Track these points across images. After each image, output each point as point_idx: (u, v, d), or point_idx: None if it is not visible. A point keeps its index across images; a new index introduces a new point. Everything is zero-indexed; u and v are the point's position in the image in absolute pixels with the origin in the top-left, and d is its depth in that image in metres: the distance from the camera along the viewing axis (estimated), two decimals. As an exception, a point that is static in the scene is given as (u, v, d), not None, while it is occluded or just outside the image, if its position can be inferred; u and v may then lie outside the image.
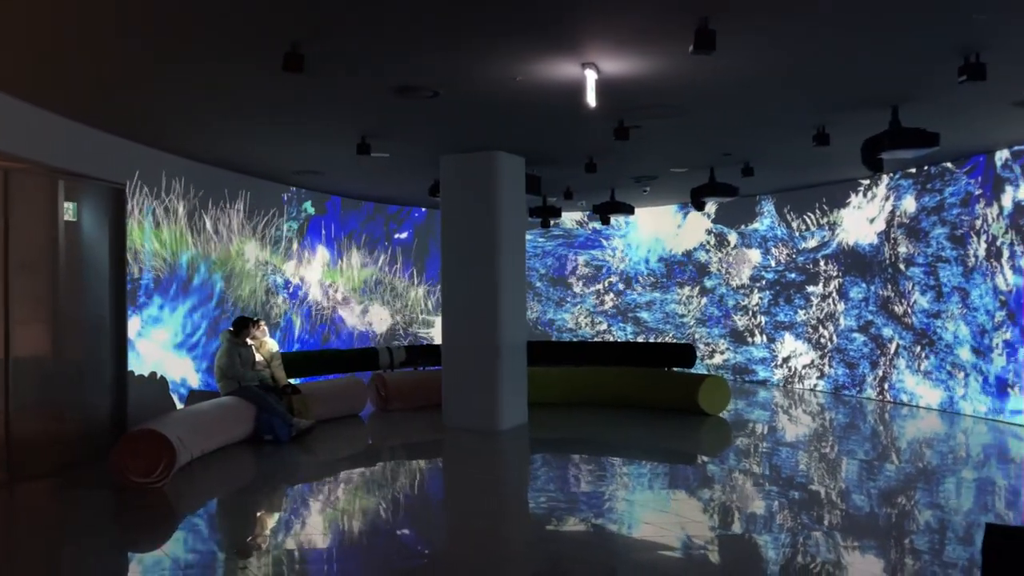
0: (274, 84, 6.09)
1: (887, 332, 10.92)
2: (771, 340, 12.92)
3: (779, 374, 12.78)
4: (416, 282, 14.00)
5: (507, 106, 6.97)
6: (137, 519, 5.67)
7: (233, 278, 10.00)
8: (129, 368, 8.02)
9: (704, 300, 14.02)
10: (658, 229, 14.67)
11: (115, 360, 7.84)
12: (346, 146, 8.33)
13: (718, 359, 13.76)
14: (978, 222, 9.47)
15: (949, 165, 9.86)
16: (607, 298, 15.30)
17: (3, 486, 6.32)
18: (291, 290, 11.32)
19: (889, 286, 10.89)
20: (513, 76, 6.03)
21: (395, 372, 10.73)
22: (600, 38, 5.24)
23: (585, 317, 15.45)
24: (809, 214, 12.26)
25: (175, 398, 8.78)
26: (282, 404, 8.42)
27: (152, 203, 8.57)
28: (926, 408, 10.22)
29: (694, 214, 13.85)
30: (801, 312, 12.41)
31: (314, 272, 11.86)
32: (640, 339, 14.83)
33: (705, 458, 8.02)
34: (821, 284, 12.08)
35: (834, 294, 11.85)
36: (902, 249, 10.66)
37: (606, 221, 12.78)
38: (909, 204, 10.56)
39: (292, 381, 9.08)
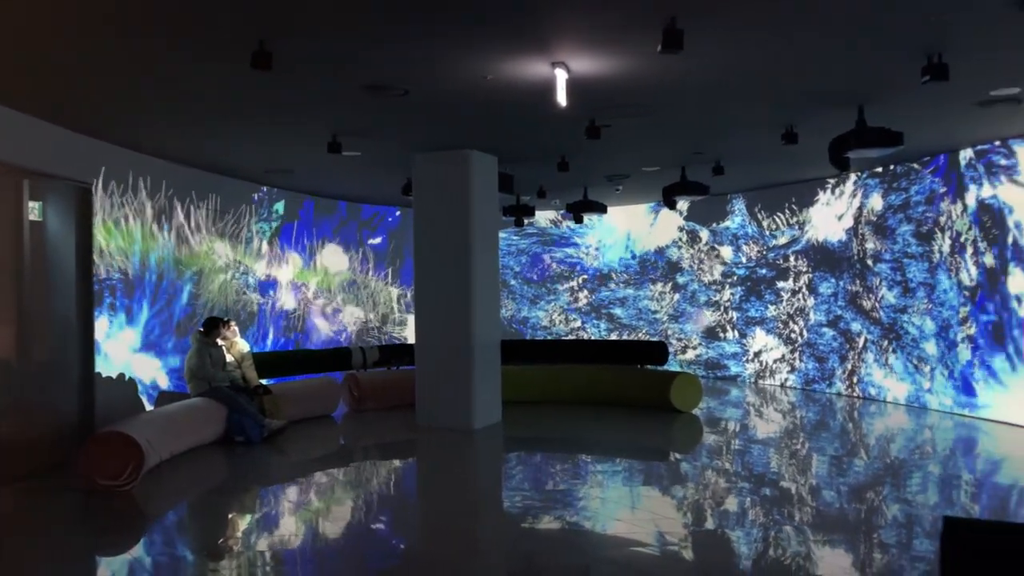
0: (243, 82, 6.04)
1: (856, 327, 11.09)
2: (742, 335, 13.07)
3: (751, 368, 12.93)
4: (390, 282, 13.96)
5: (479, 105, 6.97)
6: (105, 522, 5.59)
7: (203, 278, 9.90)
8: (97, 370, 7.91)
9: (677, 296, 14.14)
10: (631, 226, 14.77)
11: (82, 361, 7.72)
12: (317, 145, 8.28)
13: (691, 354, 13.88)
14: (943, 219, 9.65)
15: (915, 166, 10.03)
16: (581, 295, 15.37)
17: (-33, 491, 6.21)
18: (263, 290, 11.23)
19: (857, 281, 11.06)
20: (483, 75, 6.03)
21: (368, 372, 10.68)
22: (569, 37, 5.26)
23: (559, 315, 15.51)
24: (779, 214, 12.40)
25: (144, 400, 8.68)
26: (253, 405, 8.35)
27: (120, 202, 8.45)
28: (894, 403, 10.39)
29: (666, 211, 13.95)
30: (772, 307, 12.56)
31: (286, 272, 11.78)
32: (614, 336, 14.93)
33: (677, 455, 8.09)
34: (791, 279, 12.24)
35: (804, 289, 12.00)
36: (870, 245, 10.82)
37: (579, 220, 12.84)
38: (876, 202, 10.73)
39: (263, 382, 9.01)
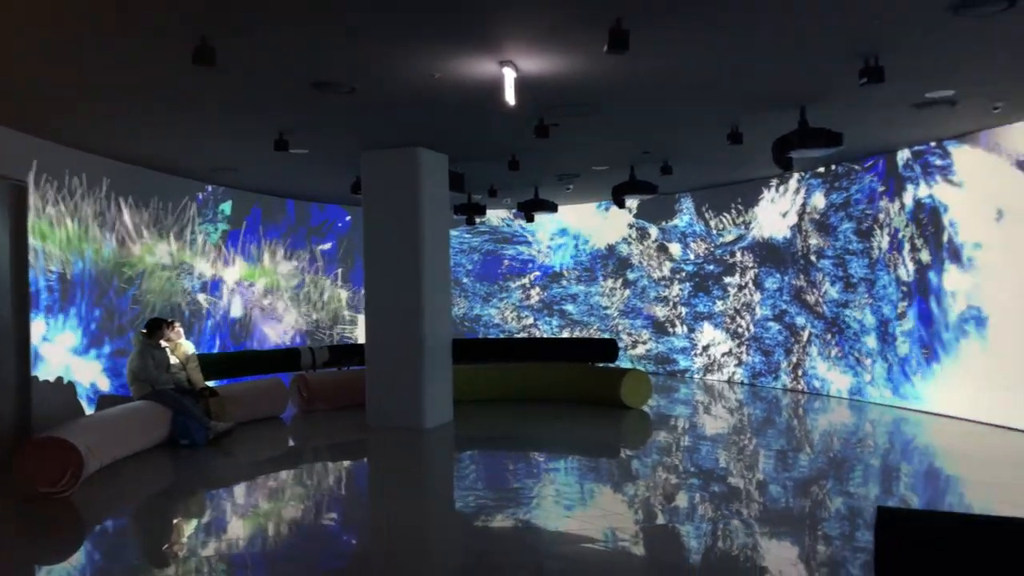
0: (185, 77, 5.90)
1: (800, 321, 11.36)
2: (691, 330, 13.28)
3: (699, 362, 13.15)
4: (340, 283, 13.81)
5: (428, 103, 6.94)
6: (43, 531, 5.42)
7: (145, 278, 9.66)
8: (33, 373, 7.66)
9: (627, 292, 14.31)
10: (582, 224, 14.89)
11: (18, 364, 7.47)
12: (263, 142, 8.14)
13: (640, 350, 14.06)
14: (882, 216, 9.94)
15: (856, 166, 10.30)
16: (533, 292, 15.44)
17: None
18: (209, 290, 11.00)
19: (802, 276, 11.33)
20: (431, 73, 6.01)
21: (318, 372, 10.56)
22: (516, 36, 5.27)
23: (512, 312, 15.55)
24: (725, 214, 12.64)
25: (84, 403, 8.44)
26: (199, 407, 8.19)
27: (55, 200, 8.19)
28: (837, 397, 10.67)
29: (616, 209, 14.09)
30: (719, 303, 12.79)
31: (233, 273, 11.56)
32: (566, 332, 15.04)
33: (628, 451, 8.18)
34: (738, 275, 12.48)
35: (750, 284, 12.25)
36: (813, 242, 11.09)
37: (531, 218, 12.88)
38: (818, 200, 11.00)
39: (209, 383, 8.84)
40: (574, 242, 15.11)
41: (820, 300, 10.99)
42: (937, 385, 9.13)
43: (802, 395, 11.12)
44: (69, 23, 4.89)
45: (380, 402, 8.83)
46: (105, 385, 8.79)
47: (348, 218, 13.77)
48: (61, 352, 8.16)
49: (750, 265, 12.26)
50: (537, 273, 15.39)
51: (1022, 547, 2.16)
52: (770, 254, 11.90)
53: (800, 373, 11.36)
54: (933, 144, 9.06)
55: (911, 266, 9.44)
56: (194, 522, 5.72)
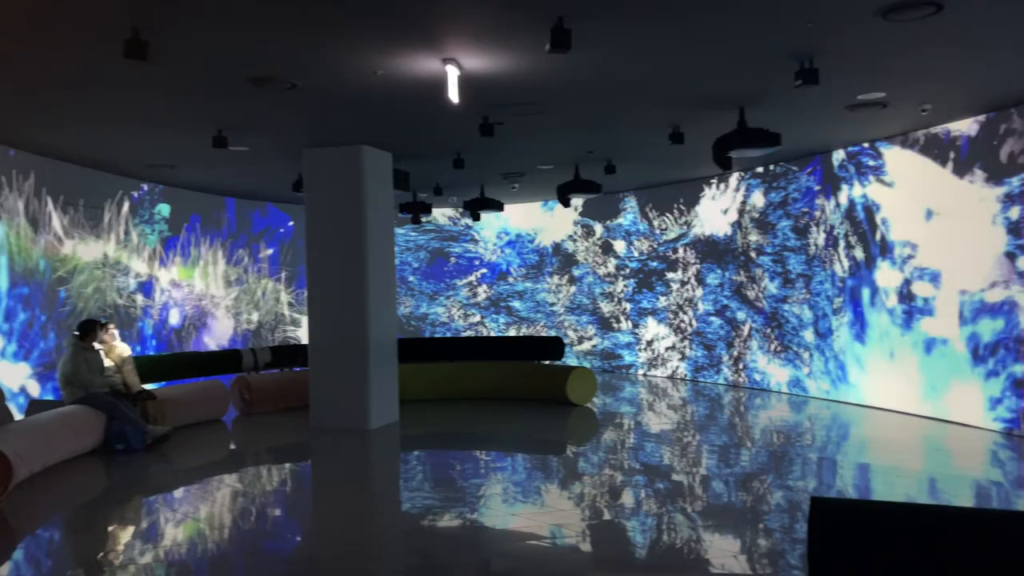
0: (118, 72, 5.72)
1: (741, 315, 11.61)
2: (635, 326, 13.46)
3: (643, 357, 13.33)
4: (282, 285, 13.59)
5: (371, 100, 6.87)
6: (-32, 544, 5.20)
7: (77, 278, 9.34)
8: (-43, 379, 7.35)
9: (573, 289, 14.42)
10: (528, 221, 14.95)
11: (-60, 371, 7.15)
12: (201, 139, 7.96)
13: (587, 345, 14.19)
14: (818, 214, 10.22)
15: (793, 167, 10.57)
16: (480, 290, 15.44)
17: None
18: (146, 291, 10.70)
19: (742, 272, 11.58)
20: (374, 70, 5.94)
21: (260, 374, 10.36)
22: (459, 34, 5.25)
23: (458, 310, 15.52)
24: (668, 214, 12.84)
25: (13, 408, 8.10)
26: (135, 411, 7.96)
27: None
28: (776, 392, 10.93)
29: (562, 207, 14.19)
30: (663, 298, 12.99)
31: (170, 273, 11.27)
32: (513, 329, 15.10)
33: (573, 448, 8.24)
34: (680, 271, 12.69)
35: (692, 280, 12.47)
36: (752, 238, 11.34)
37: (477, 217, 12.88)
38: (758, 199, 11.25)
39: (146, 386, 8.59)
40: (520, 240, 15.16)
41: (760, 295, 11.24)
42: (871, 379, 9.43)
43: (743, 390, 11.36)
44: (-9, 14, 4.70)
45: (324, 403, 8.71)
46: (35, 390, 8.46)
47: (291, 223, 13.56)
48: (-13, 356, 7.85)
49: (692, 261, 12.47)
50: (484, 271, 15.39)
51: (947, 533, 2.23)
52: (711, 251, 12.13)
53: (741, 367, 11.61)
54: (866, 145, 9.34)
55: (846, 262, 9.73)
56: (131, 529, 5.55)
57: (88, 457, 7.37)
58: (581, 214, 14.25)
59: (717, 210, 12.02)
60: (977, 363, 7.97)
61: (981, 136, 7.88)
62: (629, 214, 13.54)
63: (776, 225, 10.94)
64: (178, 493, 6.46)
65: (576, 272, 14.41)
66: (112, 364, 8.27)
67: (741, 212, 11.56)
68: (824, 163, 10.06)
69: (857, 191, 9.52)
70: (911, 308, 8.78)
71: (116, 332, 8.60)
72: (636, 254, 13.44)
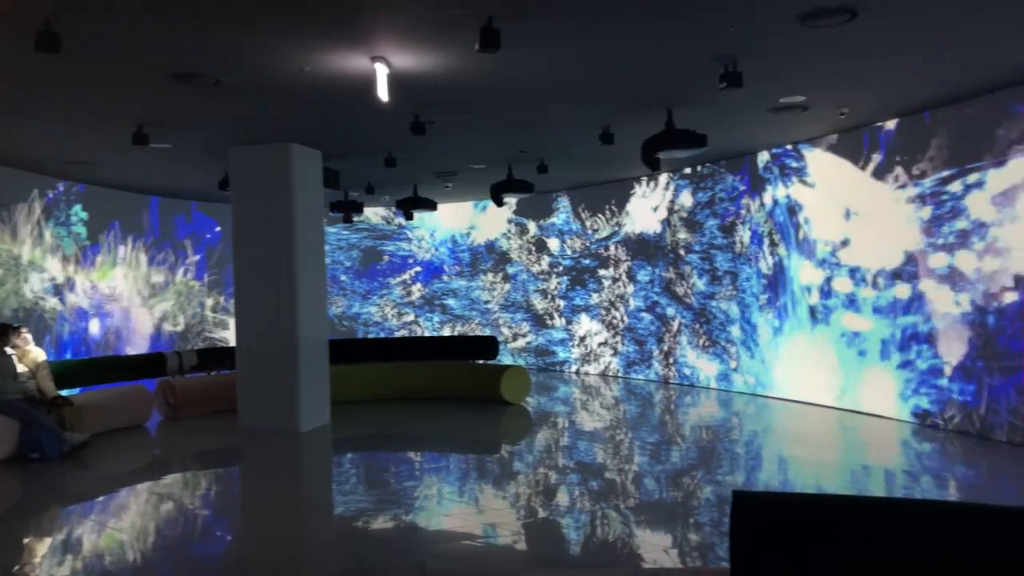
0: (30, 65, 5.47)
1: (670, 311, 11.85)
2: (569, 322, 13.59)
3: (577, 353, 13.47)
4: (208, 287, 13.24)
5: (299, 97, 6.75)
6: None
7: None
8: None
9: (507, 286, 14.48)
10: (462, 219, 14.94)
11: None
12: (121, 136, 7.67)
13: (521, 343, 14.27)
14: (743, 213, 10.51)
15: (720, 167, 10.84)
16: (414, 288, 15.35)
17: None
18: (62, 295, 10.26)
19: (671, 269, 11.82)
20: (301, 67, 5.84)
21: (185, 377, 10.06)
22: (387, 33, 5.20)
23: (392, 309, 15.39)
24: (600, 215, 13.01)
25: (-83, 419, 7.67)
26: (51, 418, 7.63)
27: None
28: (705, 386, 11.20)
29: (495, 207, 14.24)
30: (595, 295, 13.15)
31: (92, 274, 10.84)
32: (448, 327, 15.07)
33: (507, 447, 8.27)
34: (612, 268, 12.87)
35: (624, 277, 12.66)
36: (681, 236, 11.59)
37: (410, 216, 12.80)
38: (686, 199, 11.50)
39: (63, 392, 8.25)
40: (454, 238, 15.13)
41: (689, 292, 11.49)
42: (793, 373, 9.75)
43: (673, 387, 11.60)
44: None
45: (252, 406, 8.53)
46: (-58, 398, 8.02)
47: (218, 229, 13.21)
48: None
49: (623, 258, 12.67)
50: (418, 269, 15.30)
51: (864, 522, 2.30)
52: (642, 248, 12.34)
53: (671, 361, 11.86)
54: (789, 147, 9.64)
55: (771, 260, 10.03)
56: (47, 541, 5.32)
57: (0, 466, 7.04)
58: (515, 212, 14.31)
59: (647, 208, 12.24)
60: (889, 356, 8.32)
61: (896, 139, 8.22)
62: (562, 213, 13.67)
63: (704, 224, 11.20)
64: (98, 502, 6.23)
65: (510, 270, 14.47)
66: (26, 369, 7.91)
67: (670, 210, 11.80)
68: (750, 164, 10.34)
69: (781, 192, 9.82)
70: (830, 304, 9.10)
71: (29, 336, 8.23)
72: (569, 252, 13.58)
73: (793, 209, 9.64)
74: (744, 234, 10.52)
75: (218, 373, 10.33)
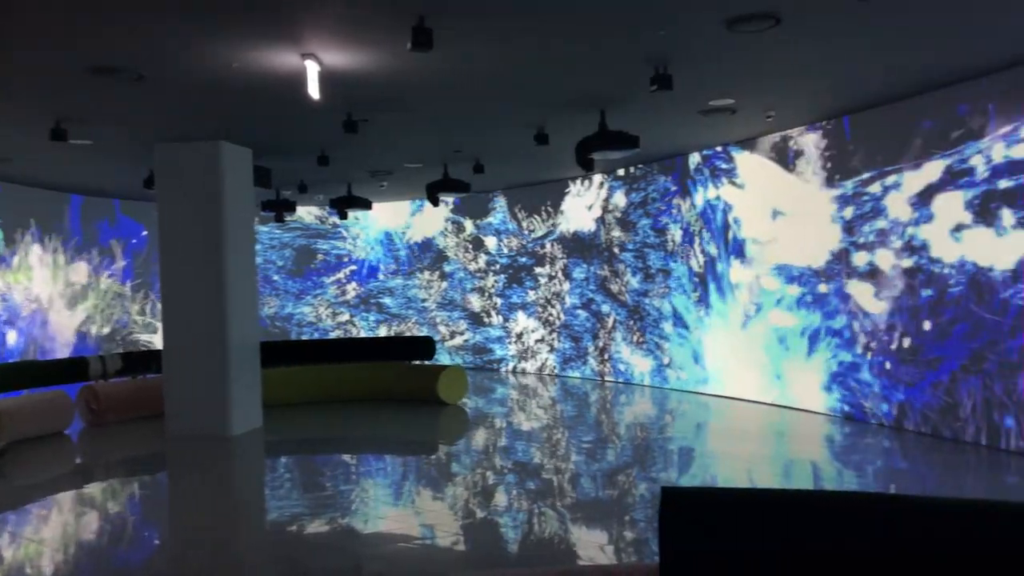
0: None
1: (605, 308, 12.00)
2: (506, 320, 13.64)
3: (514, 350, 13.52)
4: (135, 293, 12.81)
5: (227, 94, 6.58)
6: None
7: None
8: None
9: (444, 284, 14.44)
10: (399, 216, 14.83)
11: None
12: (38, 131, 7.36)
13: (458, 340, 14.25)
14: (675, 212, 10.72)
15: (652, 169, 11.02)
16: (349, 288, 15.16)
17: None
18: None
19: (606, 267, 11.97)
20: (229, 63, 5.70)
21: (109, 382, 9.71)
22: (317, 30, 5.12)
23: (326, 309, 15.17)
24: (536, 216, 13.09)
25: None
26: (-36, 428, 7.27)
27: None
28: (639, 383, 11.38)
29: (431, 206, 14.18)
30: (532, 293, 13.23)
31: (7, 276, 10.36)
32: (384, 326, 14.94)
33: (443, 448, 8.25)
34: (548, 266, 12.97)
35: (560, 275, 12.77)
36: (616, 234, 11.76)
37: (344, 216, 12.64)
38: (620, 199, 11.67)
39: (-22, 400, 7.87)
40: (390, 236, 15.00)
41: (623, 289, 11.66)
42: (724, 369, 10.00)
43: (609, 385, 11.75)
44: None
45: (180, 410, 8.28)
46: None
47: (144, 233, 12.79)
48: None
49: (559, 256, 12.78)
50: (353, 268, 15.12)
51: (790, 514, 2.35)
52: (577, 246, 12.47)
53: (607, 357, 12.01)
54: (719, 149, 9.87)
55: (701, 258, 10.25)
56: (-41, 559, 5.07)
57: (-93, 481, 6.68)
58: (452, 211, 14.29)
59: (582, 206, 12.37)
60: (815, 352, 8.61)
61: (819, 142, 8.50)
62: (499, 213, 13.70)
63: (637, 224, 11.38)
64: (15, 513, 5.96)
65: (447, 268, 14.43)
66: (-65, 377, 7.52)
67: (604, 209, 11.96)
68: (682, 165, 10.55)
69: (712, 193, 10.05)
70: (759, 302, 9.36)
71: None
72: (506, 250, 13.63)
73: (723, 209, 9.88)
74: (676, 233, 10.73)
75: (144, 377, 10.01)
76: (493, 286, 13.82)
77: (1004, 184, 6.50)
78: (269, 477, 7.11)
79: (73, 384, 9.52)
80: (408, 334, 14.72)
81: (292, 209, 12.12)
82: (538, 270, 13.13)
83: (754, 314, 9.45)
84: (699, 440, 8.04)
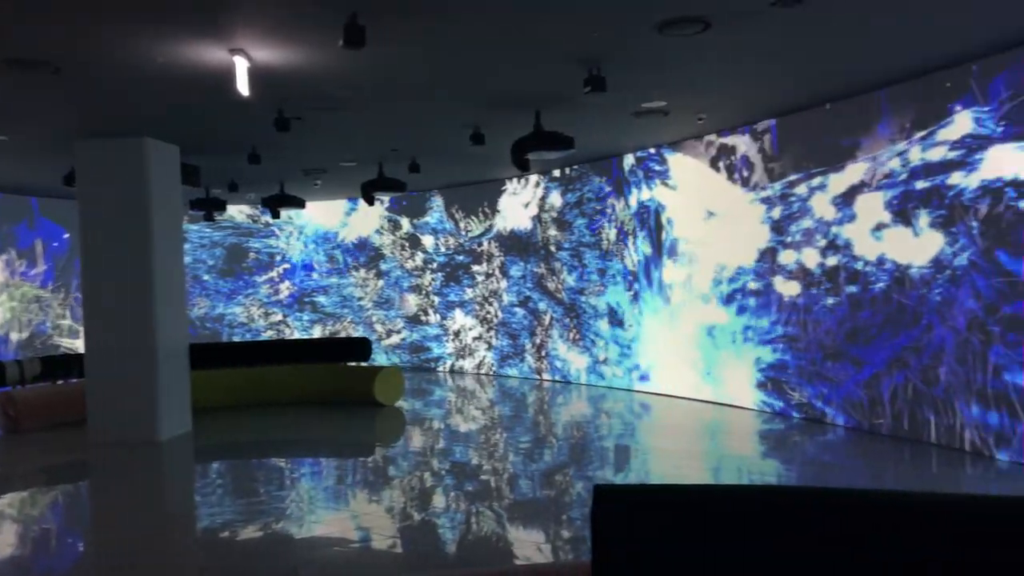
0: None
1: (542, 306, 12.08)
2: (443, 318, 13.59)
3: (451, 347, 13.48)
4: (56, 295, 12.30)
5: (153, 89, 6.37)
6: None
7: None
8: None
9: (381, 283, 14.30)
10: (334, 215, 14.63)
11: None
12: (-54, 125, 7.00)
13: (395, 339, 14.13)
14: (609, 212, 10.86)
15: (587, 169, 11.13)
16: (283, 287, 14.87)
17: None
18: None
19: (543, 265, 12.05)
20: (154, 57, 5.52)
21: (27, 388, 9.29)
22: (246, 25, 5.00)
23: (259, 309, 14.85)
24: (473, 216, 13.08)
25: None
26: None
27: None
28: (576, 381, 11.48)
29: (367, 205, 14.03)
30: (469, 290, 13.21)
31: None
32: (318, 326, 14.72)
33: (379, 450, 8.17)
34: (485, 264, 12.97)
35: (497, 272, 12.79)
36: (552, 233, 11.84)
37: (276, 215, 12.39)
38: (556, 199, 11.76)
39: None
40: (325, 234, 14.77)
41: (560, 287, 11.76)
42: (659, 367, 10.17)
43: (546, 385, 11.82)
44: None
45: (105, 415, 7.99)
46: None
47: (66, 236, 12.28)
48: None
49: (496, 254, 12.80)
50: (287, 266, 14.84)
51: (721, 510, 2.38)
52: (514, 244, 12.51)
53: (544, 354, 12.09)
54: (652, 150, 10.04)
55: (636, 258, 10.41)
56: None
57: None
58: (388, 209, 14.16)
59: (519, 204, 12.42)
60: (745, 349, 8.84)
61: (750, 144, 8.72)
62: (436, 212, 13.64)
63: (573, 223, 11.49)
64: (-76, 530, 5.65)
65: (383, 266, 14.30)
66: None
67: (541, 208, 12.03)
68: (617, 166, 10.69)
69: (645, 193, 10.22)
70: (691, 300, 9.56)
71: None
72: (443, 248, 13.58)
73: (657, 210, 10.04)
74: (611, 233, 10.87)
75: (65, 382, 9.63)
76: (430, 284, 13.75)
77: (921, 185, 6.79)
78: (200, 483, 6.92)
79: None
80: (344, 334, 14.54)
81: (223, 208, 11.83)
82: (475, 268, 13.13)
83: (686, 312, 9.64)
84: (634, 438, 8.16)
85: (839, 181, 7.63)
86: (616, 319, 10.82)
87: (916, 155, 6.82)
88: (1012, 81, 5.99)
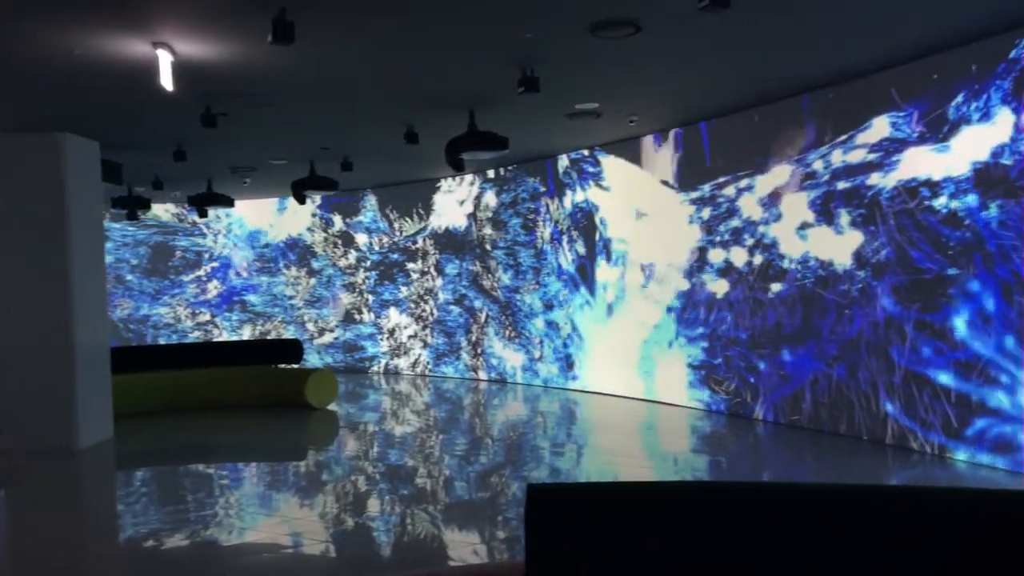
0: None
1: (478, 304, 12.08)
2: (378, 317, 13.46)
3: (386, 346, 13.36)
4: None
5: (70, 83, 6.12)
6: None
7: None
8: None
9: (313, 281, 14.06)
10: (264, 212, 14.31)
11: None
12: None
13: (328, 338, 13.92)
14: (543, 211, 10.93)
15: (522, 170, 11.19)
16: (211, 286, 14.48)
17: None
18: None
19: (478, 263, 12.05)
20: (72, 49, 5.30)
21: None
22: (169, 17, 4.85)
23: (185, 309, 14.43)
24: (407, 218, 12.98)
25: None
26: None
27: None
28: (512, 379, 11.52)
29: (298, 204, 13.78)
30: (404, 289, 13.12)
31: None
32: (248, 325, 14.39)
33: (311, 454, 8.04)
34: (420, 261, 12.90)
35: (432, 270, 12.73)
36: (487, 232, 11.85)
37: (204, 214, 12.06)
38: (491, 199, 11.78)
39: None
40: (254, 233, 14.44)
41: (495, 285, 11.78)
42: (593, 365, 10.29)
43: (481, 383, 11.83)
44: None
45: (16, 422, 7.62)
46: None
47: None
48: None
49: (432, 252, 12.74)
50: (215, 264, 14.46)
51: (655, 507, 2.41)
52: (450, 242, 12.48)
53: (480, 352, 12.10)
54: (586, 152, 10.15)
55: (570, 256, 10.51)
56: None
57: None
58: (320, 207, 13.93)
59: (454, 202, 12.39)
60: (677, 347, 9.02)
61: (678, 146, 8.90)
62: (369, 212, 13.49)
63: (508, 223, 11.52)
64: None
65: (315, 264, 14.07)
66: None
67: (476, 207, 12.03)
68: (551, 167, 10.77)
69: (580, 195, 10.32)
70: (625, 299, 9.70)
71: None
72: (377, 247, 13.44)
73: (590, 210, 10.16)
74: (545, 232, 10.94)
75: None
76: (364, 282, 13.60)
77: (842, 186, 7.04)
78: (122, 492, 6.68)
79: None
80: (274, 335, 14.25)
81: (147, 206, 11.45)
82: (410, 266, 13.04)
83: (619, 311, 9.78)
84: (569, 437, 8.23)
85: (765, 182, 7.85)
86: (550, 317, 10.90)
87: (837, 157, 7.08)
88: (928, 87, 6.27)
